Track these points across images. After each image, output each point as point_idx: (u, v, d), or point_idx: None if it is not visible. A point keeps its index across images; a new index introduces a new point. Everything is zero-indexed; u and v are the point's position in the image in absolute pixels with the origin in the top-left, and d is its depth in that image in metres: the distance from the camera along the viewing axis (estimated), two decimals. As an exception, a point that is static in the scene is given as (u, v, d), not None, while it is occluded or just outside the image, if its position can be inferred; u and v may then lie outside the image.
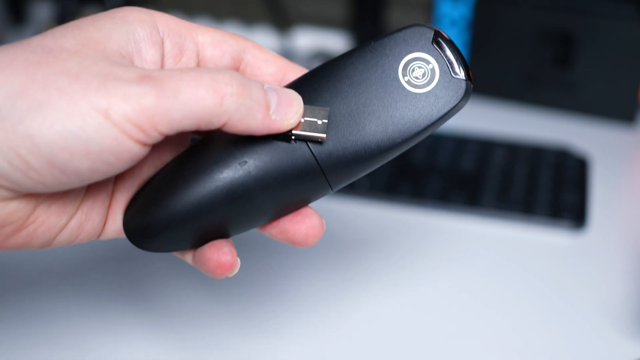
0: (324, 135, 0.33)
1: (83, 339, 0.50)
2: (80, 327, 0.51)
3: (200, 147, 0.35)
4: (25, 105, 0.28)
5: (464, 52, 0.80)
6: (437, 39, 0.34)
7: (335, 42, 0.91)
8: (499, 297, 0.54)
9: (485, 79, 0.79)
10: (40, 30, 0.91)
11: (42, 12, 0.98)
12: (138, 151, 0.30)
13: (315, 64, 0.86)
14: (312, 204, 0.36)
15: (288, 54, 0.89)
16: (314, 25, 0.92)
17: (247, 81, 0.31)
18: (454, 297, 0.54)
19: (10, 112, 0.28)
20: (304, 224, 0.35)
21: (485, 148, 0.69)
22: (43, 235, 0.33)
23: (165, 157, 0.36)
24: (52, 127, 0.28)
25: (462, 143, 0.69)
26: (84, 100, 0.28)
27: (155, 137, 0.30)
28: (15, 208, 0.30)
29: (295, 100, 0.33)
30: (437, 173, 0.66)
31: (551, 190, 0.63)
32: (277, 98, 0.32)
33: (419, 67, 0.34)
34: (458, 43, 0.81)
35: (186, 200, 0.33)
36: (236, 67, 0.36)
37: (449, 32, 0.81)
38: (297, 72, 0.37)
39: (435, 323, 0.51)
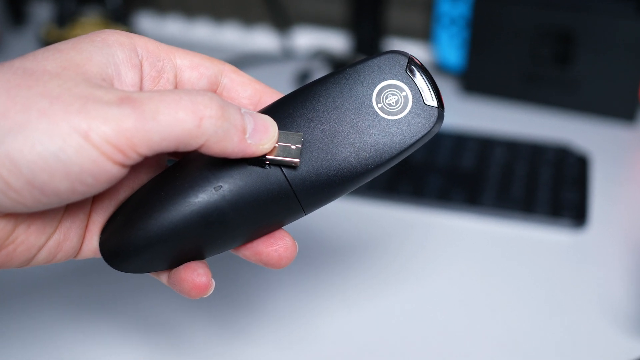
0: (297, 160, 0.33)
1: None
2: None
3: (177, 169, 0.35)
4: (6, 127, 0.28)
5: (464, 51, 0.80)
6: (411, 66, 0.35)
7: (335, 42, 0.91)
8: (500, 295, 0.54)
9: (485, 77, 0.79)
10: (40, 30, 0.91)
11: (41, 12, 0.98)
12: (116, 172, 0.30)
13: (315, 64, 0.86)
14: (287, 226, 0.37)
15: (288, 54, 0.90)
16: (314, 25, 0.92)
17: (226, 104, 0.32)
18: (455, 295, 0.54)
19: None
20: (277, 246, 0.36)
21: (485, 146, 0.69)
22: (22, 255, 0.33)
23: (142, 179, 0.37)
24: (33, 148, 0.28)
25: (462, 141, 0.70)
26: (64, 122, 0.28)
27: (134, 158, 0.30)
28: None
29: (271, 126, 0.33)
30: (437, 172, 0.66)
31: (551, 189, 0.63)
32: (253, 123, 0.33)
33: (392, 95, 0.35)
34: (458, 42, 0.81)
35: (162, 223, 0.33)
36: (213, 90, 0.37)
37: (449, 31, 0.81)
38: (273, 96, 0.37)
39: (435, 321, 0.51)
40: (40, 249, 0.33)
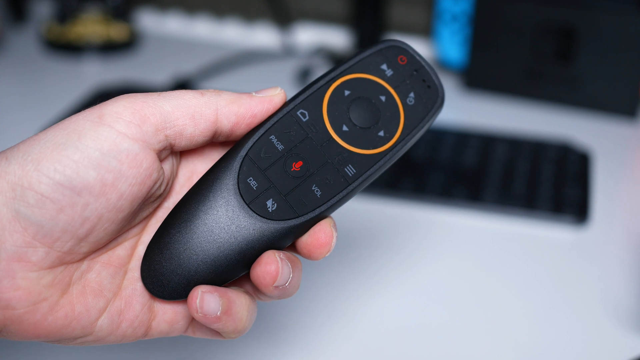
0: None
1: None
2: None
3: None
4: (25, 152, 0.30)
5: (466, 47, 0.80)
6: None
7: (336, 38, 0.91)
8: (501, 292, 0.54)
9: (487, 73, 0.79)
10: (40, 27, 0.91)
11: (42, 9, 0.98)
12: (139, 151, 0.30)
13: (316, 60, 0.86)
14: None
15: (289, 51, 0.89)
16: (315, 22, 0.92)
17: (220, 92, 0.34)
18: (457, 292, 0.53)
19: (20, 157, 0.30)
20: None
21: (487, 143, 0.69)
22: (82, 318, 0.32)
23: None
24: (54, 148, 0.29)
25: (463, 138, 0.69)
26: (79, 116, 0.30)
27: (149, 131, 0.31)
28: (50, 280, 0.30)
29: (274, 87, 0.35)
30: (439, 168, 0.65)
31: (553, 185, 0.63)
32: (253, 92, 0.34)
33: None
34: (459, 38, 0.81)
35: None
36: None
37: (451, 27, 0.81)
38: None
39: (437, 318, 0.51)
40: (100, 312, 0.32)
